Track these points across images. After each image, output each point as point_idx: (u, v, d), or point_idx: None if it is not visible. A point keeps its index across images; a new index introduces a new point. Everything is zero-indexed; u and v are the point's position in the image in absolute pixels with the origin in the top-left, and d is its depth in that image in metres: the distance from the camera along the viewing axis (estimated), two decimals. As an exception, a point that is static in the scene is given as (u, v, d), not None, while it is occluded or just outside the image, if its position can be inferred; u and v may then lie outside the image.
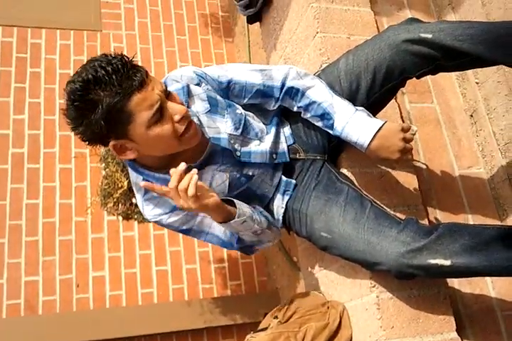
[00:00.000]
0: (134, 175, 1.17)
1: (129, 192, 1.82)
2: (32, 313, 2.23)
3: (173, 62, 2.94)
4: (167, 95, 1.03)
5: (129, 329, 2.26)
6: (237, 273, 2.57)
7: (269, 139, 1.22)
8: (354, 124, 1.15)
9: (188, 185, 0.99)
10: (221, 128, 1.15)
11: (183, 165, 1.00)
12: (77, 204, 2.44)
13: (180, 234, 2.46)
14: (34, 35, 2.80)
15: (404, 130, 1.13)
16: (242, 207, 1.12)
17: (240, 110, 1.20)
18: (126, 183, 1.78)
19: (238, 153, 1.17)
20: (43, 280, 2.30)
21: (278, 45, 1.65)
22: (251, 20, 1.80)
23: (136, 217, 1.93)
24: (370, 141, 1.14)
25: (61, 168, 2.51)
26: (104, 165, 1.91)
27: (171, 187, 1.00)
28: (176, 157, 1.11)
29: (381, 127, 1.13)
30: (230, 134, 1.15)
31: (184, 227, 1.22)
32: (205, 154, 1.15)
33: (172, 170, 1.01)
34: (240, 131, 1.17)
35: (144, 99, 0.98)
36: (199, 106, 1.15)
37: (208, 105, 1.15)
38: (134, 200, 1.90)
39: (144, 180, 1.15)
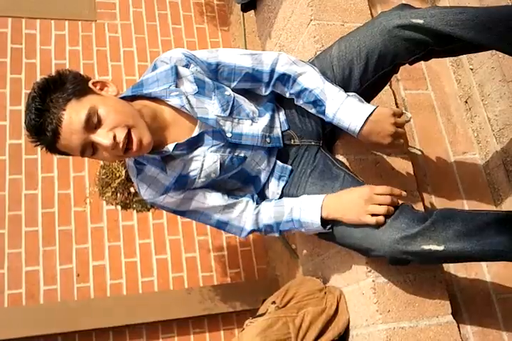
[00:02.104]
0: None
1: (127, 181, 1.83)
2: (33, 302, 2.25)
3: (169, 51, 2.94)
4: (94, 125, 1.05)
5: (130, 318, 2.28)
6: (237, 261, 2.60)
7: (262, 122, 1.23)
8: (345, 110, 1.16)
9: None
10: (209, 109, 1.16)
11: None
12: (75, 194, 2.46)
13: (180, 223, 2.53)
14: (29, 25, 2.78)
15: (396, 114, 1.14)
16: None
17: (228, 92, 1.20)
18: (123, 172, 1.79)
19: (229, 134, 1.18)
20: (44, 269, 2.32)
21: (273, 33, 1.65)
22: (245, 8, 1.80)
23: (134, 206, 1.94)
24: (362, 126, 1.14)
25: (59, 159, 2.51)
26: (101, 155, 1.91)
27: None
28: (164, 136, 1.15)
29: (372, 112, 1.14)
30: (218, 115, 1.16)
31: (179, 209, 1.25)
32: (194, 133, 1.16)
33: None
34: (227, 112, 1.18)
35: (66, 146, 1.06)
36: (187, 88, 1.16)
37: (196, 87, 1.16)
38: (132, 190, 1.91)
39: (135, 160, 1.19)
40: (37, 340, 2.19)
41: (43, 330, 2.17)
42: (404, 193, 1.14)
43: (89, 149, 1.07)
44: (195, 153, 1.17)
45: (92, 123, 1.04)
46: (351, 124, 1.16)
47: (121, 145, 1.06)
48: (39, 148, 1.08)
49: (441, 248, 1.05)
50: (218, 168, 1.19)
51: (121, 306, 2.30)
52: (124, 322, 2.27)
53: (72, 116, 1.03)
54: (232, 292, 2.45)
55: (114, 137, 1.05)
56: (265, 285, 2.50)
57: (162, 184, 1.20)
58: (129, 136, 1.06)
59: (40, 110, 1.02)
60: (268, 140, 1.23)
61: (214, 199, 1.22)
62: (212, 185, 1.25)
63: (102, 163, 1.92)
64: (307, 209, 1.16)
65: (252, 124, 1.21)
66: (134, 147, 1.07)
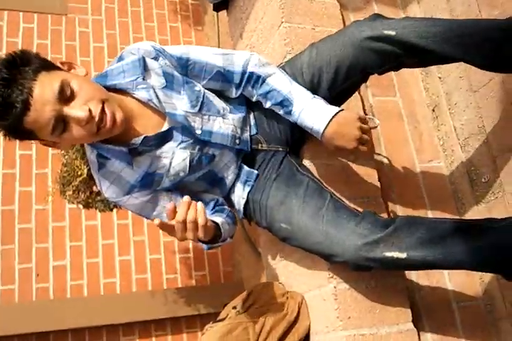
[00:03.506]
0: (88, 150, 1.15)
1: (89, 180, 1.78)
2: (-10, 303, 2.18)
3: (141, 48, 2.89)
4: (66, 97, 0.99)
5: (90, 320, 2.23)
6: (203, 264, 2.57)
7: (232, 120, 1.20)
8: (310, 110, 1.14)
9: (196, 215, 0.93)
10: (177, 104, 1.13)
11: (186, 198, 0.94)
12: (37, 191, 2.39)
13: (145, 224, 2.48)
14: (-5, 17, 2.70)
15: (361, 119, 1.13)
16: (223, 225, 1.10)
17: (198, 87, 1.17)
18: (86, 171, 1.74)
19: (198, 131, 1.14)
20: (2, 269, 2.24)
21: (244, 34, 1.63)
22: (217, 7, 1.78)
23: (97, 205, 1.90)
24: (325, 128, 1.12)
25: (21, 154, 2.44)
26: (63, 152, 1.86)
27: (179, 220, 0.92)
28: (131, 128, 1.10)
29: (336, 113, 1.12)
30: (187, 111, 1.13)
31: (143, 213, 1.21)
32: (163, 128, 1.12)
33: (171, 205, 0.93)
34: (197, 108, 1.14)
35: (36, 121, 0.97)
36: (155, 81, 1.12)
37: (164, 80, 1.12)
38: (94, 188, 1.86)
39: (97, 154, 1.13)
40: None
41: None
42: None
43: (61, 125, 0.99)
44: (164, 149, 1.13)
45: (66, 95, 0.98)
46: (315, 125, 1.14)
47: (96, 119, 1.00)
48: (1, 126, 0.97)
49: (403, 255, 1.05)
50: (187, 166, 1.15)
51: (81, 308, 2.25)
52: (84, 324, 2.22)
53: (45, 86, 0.96)
54: (196, 295, 2.42)
55: (90, 110, 0.99)
56: (231, 288, 2.47)
57: (126, 181, 1.14)
58: (102, 113, 1.00)
59: (8, 80, 0.93)
60: (237, 141, 1.21)
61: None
62: (179, 187, 1.22)
63: (64, 160, 1.87)
64: None
65: (223, 121, 1.18)
66: (108, 122, 1.01)
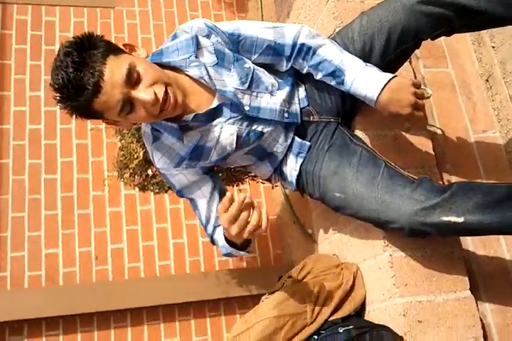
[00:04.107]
0: (143, 125, 1.22)
1: (145, 162, 1.84)
2: (53, 284, 2.29)
3: (186, 38, 2.95)
4: (134, 81, 1.03)
5: (147, 300, 2.30)
6: (253, 246, 2.60)
7: (281, 96, 1.22)
8: (363, 78, 1.15)
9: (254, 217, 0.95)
10: (227, 81, 1.16)
11: (242, 196, 0.94)
12: (94, 178, 2.48)
13: (193, 209, 2.54)
14: (48, 12, 2.81)
15: (415, 85, 1.13)
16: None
17: (248, 64, 1.19)
18: (141, 154, 1.80)
19: (247, 108, 1.17)
20: (63, 252, 2.35)
21: (291, 12, 1.65)
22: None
23: (152, 188, 1.96)
24: (379, 94, 1.12)
25: (78, 144, 2.55)
26: (119, 136, 1.93)
27: (232, 213, 0.94)
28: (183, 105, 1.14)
29: (390, 80, 1.12)
30: (236, 88, 1.16)
31: (182, 191, 1.27)
32: (213, 105, 1.16)
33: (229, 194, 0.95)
34: (246, 85, 1.17)
35: (105, 102, 1.02)
36: (207, 59, 1.15)
37: (215, 58, 1.15)
38: (149, 172, 1.93)
39: (152, 128, 1.20)
40: (56, 320, 2.23)
41: (62, 311, 2.21)
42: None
43: (127, 106, 1.04)
44: (213, 124, 1.17)
45: (133, 78, 1.03)
46: (368, 92, 1.14)
47: (160, 101, 1.05)
48: (66, 110, 1.03)
49: (460, 219, 1.04)
50: (235, 141, 1.19)
51: (138, 289, 2.33)
52: (141, 304, 2.30)
53: (114, 69, 1.00)
54: (248, 276, 2.46)
55: (155, 93, 1.04)
56: (281, 270, 2.47)
57: (177, 153, 1.20)
58: (165, 95, 1.05)
59: (79, 63, 0.98)
60: (286, 115, 1.23)
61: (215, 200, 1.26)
62: (228, 162, 1.26)
63: (120, 144, 1.94)
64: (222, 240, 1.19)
65: (271, 97, 1.21)
66: (171, 103, 1.06)
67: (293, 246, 2.54)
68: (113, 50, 1.05)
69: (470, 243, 1.34)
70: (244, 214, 0.95)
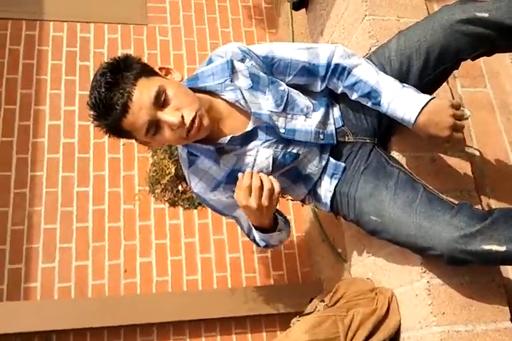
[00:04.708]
0: (180, 148, 1.24)
1: (176, 178, 1.86)
2: (82, 296, 2.31)
3: (218, 54, 2.97)
4: (162, 103, 1.05)
5: (174, 315, 2.30)
6: (280, 263, 2.58)
7: (316, 118, 1.21)
8: (401, 100, 1.13)
9: (262, 182, 1.06)
10: (262, 104, 1.16)
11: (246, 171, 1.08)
12: (125, 192, 2.51)
13: (224, 223, 2.54)
14: (83, 29, 2.88)
15: (454, 106, 1.10)
16: (280, 220, 1.24)
17: (283, 87, 1.19)
18: (173, 170, 1.82)
19: (282, 130, 1.17)
20: (93, 264, 2.37)
21: (325, 30, 1.64)
22: (297, 6, 1.80)
23: (182, 203, 1.97)
24: (417, 116, 1.10)
25: (110, 158, 2.58)
26: (151, 152, 1.95)
27: (245, 184, 1.06)
28: (218, 128, 1.16)
29: (428, 102, 1.10)
30: (271, 111, 1.16)
31: (224, 211, 1.31)
32: (248, 127, 1.16)
33: (240, 174, 1.08)
34: (281, 107, 1.17)
35: (133, 123, 1.04)
36: (242, 82, 1.16)
37: (251, 81, 1.16)
38: (180, 188, 1.94)
39: (188, 152, 1.21)
40: (84, 332, 2.24)
41: (90, 323, 2.22)
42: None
43: (153, 128, 1.06)
44: (249, 147, 1.17)
45: (161, 101, 1.05)
46: (406, 114, 1.12)
47: (187, 125, 1.06)
48: (99, 128, 1.07)
49: (502, 248, 1.01)
50: (271, 164, 1.19)
51: (165, 303, 2.33)
52: (168, 318, 2.29)
53: (143, 91, 1.03)
54: (275, 294, 2.43)
55: (182, 117, 1.06)
56: (309, 289, 2.46)
57: (214, 178, 1.21)
58: (193, 121, 1.07)
59: (111, 84, 1.02)
60: (321, 136, 1.22)
61: None
62: None
63: (152, 160, 1.96)
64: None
65: (305, 120, 1.20)
66: (196, 127, 1.07)
67: (321, 264, 2.50)
68: (146, 72, 1.08)
69: (510, 271, 1.29)
70: (255, 182, 1.06)
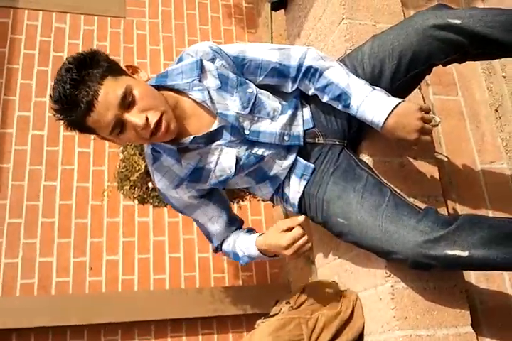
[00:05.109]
0: (145, 145, 1.23)
1: (146, 175, 1.82)
2: (45, 293, 2.26)
3: (195, 51, 2.94)
4: (127, 104, 1.04)
5: (140, 314, 2.27)
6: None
7: (282, 120, 1.21)
8: (370, 102, 1.13)
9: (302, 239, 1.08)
10: (229, 105, 1.16)
11: (302, 218, 1.10)
12: (94, 187, 2.47)
13: (195, 222, 2.52)
14: (59, 19, 2.82)
15: (423, 109, 1.10)
16: None
17: (251, 89, 1.19)
18: (143, 166, 1.78)
19: (247, 131, 1.17)
20: (57, 261, 2.32)
21: (302, 32, 1.64)
22: (276, 7, 1.79)
23: (151, 201, 1.94)
24: (386, 119, 1.10)
25: (80, 152, 2.53)
26: (122, 148, 1.92)
27: (295, 236, 1.08)
28: (183, 127, 1.15)
29: (397, 105, 1.10)
30: (238, 113, 1.15)
31: (184, 211, 1.30)
32: (213, 127, 1.15)
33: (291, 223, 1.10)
34: (248, 110, 1.16)
35: (97, 121, 1.04)
36: (210, 82, 1.15)
37: (219, 82, 1.15)
38: (150, 185, 1.91)
39: (152, 148, 1.20)
40: (46, 331, 2.19)
41: (53, 322, 2.17)
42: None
43: (118, 128, 1.05)
44: (212, 146, 1.17)
45: (127, 102, 1.04)
46: (375, 117, 1.12)
47: (151, 127, 1.05)
48: (62, 122, 1.05)
49: (465, 254, 1.02)
50: (234, 164, 1.18)
51: (131, 302, 2.30)
52: (133, 318, 2.26)
53: (109, 91, 1.02)
54: (243, 295, 2.42)
55: (147, 118, 1.04)
56: (277, 290, 2.47)
57: (177, 175, 1.20)
58: (158, 122, 1.06)
59: (76, 81, 1.00)
60: (286, 138, 1.21)
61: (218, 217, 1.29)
62: (228, 184, 1.25)
63: (122, 156, 1.92)
64: (249, 248, 1.22)
65: (270, 123, 1.20)
66: (162, 130, 1.06)
67: (290, 266, 2.51)
68: (113, 71, 1.06)
69: (473, 277, 1.31)
70: (303, 239, 1.09)
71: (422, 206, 1.16)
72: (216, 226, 1.30)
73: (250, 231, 1.31)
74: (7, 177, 2.40)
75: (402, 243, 1.06)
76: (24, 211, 2.37)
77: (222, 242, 1.33)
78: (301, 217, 1.09)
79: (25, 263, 2.28)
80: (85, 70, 1.02)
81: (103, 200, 2.29)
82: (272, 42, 2.69)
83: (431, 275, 1.19)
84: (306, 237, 1.09)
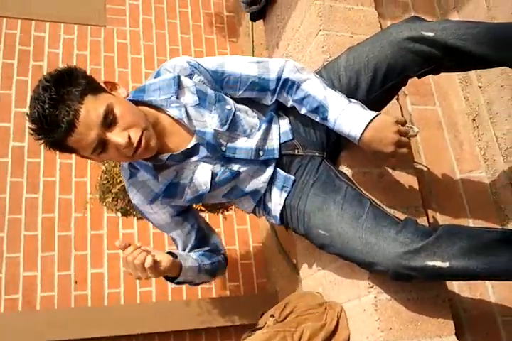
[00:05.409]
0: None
1: (129, 188, 1.81)
2: (30, 308, 2.23)
3: (177, 60, 2.94)
4: (109, 123, 1.03)
5: (127, 328, 2.25)
6: (237, 274, 2.56)
7: (257, 136, 1.21)
8: (346, 116, 1.13)
9: (145, 258, 1.04)
10: (208, 122, 1.15)
11: (119, 242, 1.07)
12: (76, 199, 2.44)
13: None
14: (38, 28, 2.79)
15: (399, 122, 1.11)
16: (190, 268, 1.21)
17: (229, 106, 1.18)
18: (125, 179, 1.77)
19: (223, 148, 1.17)
20: (42, 275, 2.29)
21: (281, 43, 1.64)
22: (254, 17, 1.80)
23: (135, 213, 1.93)
24: (362, 133, 1.11)
25: (62, 163, 2.51)
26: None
27: (129, 260, 1.05)
28: (161, 145, 1.14)
29: (373, 118, 1.11)
30: (216, 130, 1.15)
31: (160, 228, 1.31)
32: (190, 144, 1.15)
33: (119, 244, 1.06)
34: (226, 127, 1.16)
35: (79, 141, 1.02)
36: (188, 99, 1.15)
37: (197, 98, 1.15)
38: (133, 197, 1.90)
39: (129, 163, 1.19)
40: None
41: (38, 338, 2.14)
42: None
43: (100, 147, 1.04)
44: (189, 161, 1.17)
45: (109, 121, 1.02)
46: (352, 130, 1.12)
47: (134, 145, 1.05)
48: (40, 142, 1.02)
49: (445, 264, 1.02)
50: (209, 180, 1.17)
51: (117, 316, 2.27)
52: (120, 332, 2.24)
53: (90, 110, 1.00)
54: (231, 305, 2.41)
55: (129, 137, 1.03)
56: (265, 300, 2.46)
57: (151, 190, 1.20)
58: (139, 140, 1.05)
59: (55, 100, 0.98)
60: (261, 153, 1.21)
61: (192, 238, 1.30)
62: (205, 200, 1.28)
63: (103, 168, 1.91)
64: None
65: (246, 140, 1.20)
66: (142, 147, 1.06)
67: (277, 276, 2.50)
68: (93, 89, 1.04)
69: (456, 286, 1.32)
70: (129, 257, 1.04)
71: (402, 217, 1.17)
72: (188, 245, 1.31)
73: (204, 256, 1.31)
74: (-13, 191, 2.37)
75: (383, 254, 1.06)
76: (6, 225, 2.33)
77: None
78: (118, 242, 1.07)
79: (9, 279, 2.25)
80: (64, 88, 1.00)
81: (85, 213, 2.28)
82: (253, 51, 2.70)
83: (414, 285, 1.19)
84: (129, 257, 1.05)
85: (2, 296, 2.22)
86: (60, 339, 2.17)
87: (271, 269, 2.56)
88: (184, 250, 1.31)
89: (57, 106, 0.98)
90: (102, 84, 1.10)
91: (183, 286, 2.41)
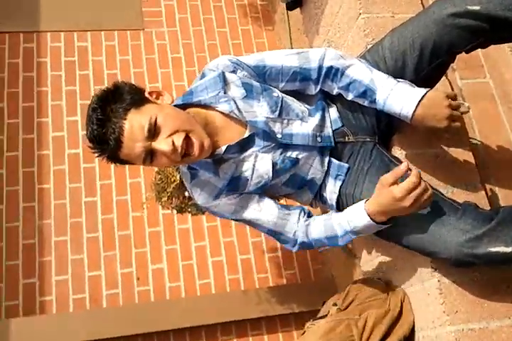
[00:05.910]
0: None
1: (182, 185, 1.85)
2: (97, 306, 2.32)
3: (215, 55, 2.95)
4: (154, 134, 1.06)
5: (189, 320, 2.31)
6: (292, 262, 2.57)
7: (313, 122, 1.21)
8: (396, 95, 1.11)
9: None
10: (258, 111, 1.16)
11: (405, 164, 1.04)
12: (132, 200, 2.51)
13: (233, 225, 2.54)
14: (80, 38, 2.88)
15: (450, 96, 1.09)
16: None
17: (276, 93, 1.19)
18: (178, 177, 1.81)
19: (279, 135, 1.17)
20: (106, 274, 2.38)
21: (320, 29, 1.62)
22: (291, 6, 1.78)
23: (189, 209, 1.97)
24: (414, 110, 1.09)
25: (115, 167, 2.58)
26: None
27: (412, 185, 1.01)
28: (216, 141, 1.16)
29: (424, 95, 1.09)
30: (267, 117, 1.16)
31: (233, 217, 1.25)
32: (245, 136, 1.16)
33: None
34: (277, 113, 1.17)
35: (128, 154, 1.07)
36: (235, 92, 1.17)
37: (244, 91, 1.16)
38: (186, 194, 1.93)
39: (188, 166, 1.21)
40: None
41: (107, 334, 2.23)
42: None
43: (149, 157, 1.08)
44: (247, 154, 1.18)
45: (153, 132, 1.06)
46: (403, 109, 1.11)
47: (179, 150, 1.07)
48: (100, 158, 1.10)
49: (509, 249, 1.00)
50: (270, 169, 1.18)
51: (180, 309, 2.33)
52: (183, 324, 2.30)
53: (134, 125, 1.05)
54: (288, 293, 2.43)
55: (173, 143, 1.06)
56: (322, 286, 2.46)
57: (215, 186, 1.21)
58: (188, 141, 1.08)
59: (102, 120, 1.05)
60: (319, 139, 1.21)
61: (268, 209, 1.21)
62: (266, 192, 1.24)
63: (156, 168, 1.96)
64: (354, 218, 1.12)
65: (301, 124, 1.20)
66: (196, 151, 1.08)
67: (333, 261, 2.49)
68: (136, 102, 1.09)
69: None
70: (421, 187, 1.01)
71: (461, 196, 1.14)
72: (282, 216, 1.21)
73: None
74: (49, 197, 2.48)
75: (444, 243, 1.05)
76: (69, 228, 2.44)
77: (307, 231, 1.22)
78: (404, 164, 1.02)
79: (75, 279, 2.35)
80: (109, 106, 1.06)
81: (143, 212, 2.35)
82: (290, 37, 2.68)
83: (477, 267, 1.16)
84: (423, 184, 1.01)
85: (70, 296, 2.33)
86: (126, 334, 2.25)
87: (326, 255, 2.55)
88: (282, 222, 1.22)
89: (105, 125, 1.05)
90: (147, 94, 1.14)
91: (240, 276, 2.45)
